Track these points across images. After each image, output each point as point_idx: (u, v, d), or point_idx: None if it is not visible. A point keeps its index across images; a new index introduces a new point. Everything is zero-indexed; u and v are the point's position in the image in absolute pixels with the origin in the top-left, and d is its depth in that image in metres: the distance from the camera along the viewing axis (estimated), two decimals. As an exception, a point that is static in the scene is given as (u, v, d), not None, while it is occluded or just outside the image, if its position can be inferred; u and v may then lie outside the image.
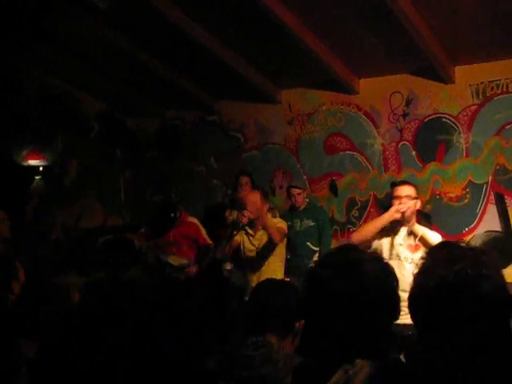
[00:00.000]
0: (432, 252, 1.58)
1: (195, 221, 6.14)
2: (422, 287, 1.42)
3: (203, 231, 6.05)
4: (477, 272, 1.37)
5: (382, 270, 1.59)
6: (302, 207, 6.01)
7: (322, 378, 1.48)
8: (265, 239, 5.05)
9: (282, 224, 5.20)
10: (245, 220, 5.01)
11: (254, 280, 4.86)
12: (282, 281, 3.80)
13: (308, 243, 5.91)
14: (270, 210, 6.03)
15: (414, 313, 1.45)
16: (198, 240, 5.99)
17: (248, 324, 2.44)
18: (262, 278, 4.33)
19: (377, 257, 1.68)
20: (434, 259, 1.47)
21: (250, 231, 5.12)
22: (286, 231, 5.21)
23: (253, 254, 5.10)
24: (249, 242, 5.15)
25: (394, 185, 5.88)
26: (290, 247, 5.63)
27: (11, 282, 1.93)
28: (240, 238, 5.18)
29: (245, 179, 6.40)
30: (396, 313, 1.59)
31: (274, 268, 5.03)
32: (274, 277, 4.58)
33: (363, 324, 1.51)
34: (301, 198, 6.06)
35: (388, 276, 1.60)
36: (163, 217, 6.00)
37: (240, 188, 6.31)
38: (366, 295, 1.51)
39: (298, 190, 6.10)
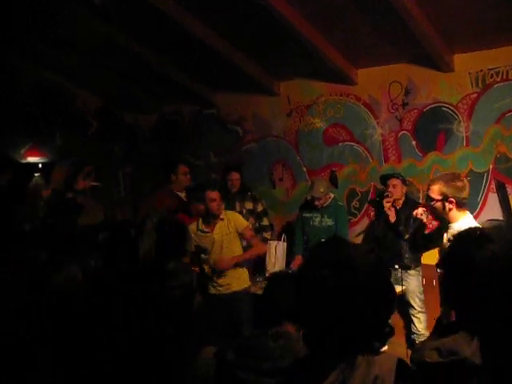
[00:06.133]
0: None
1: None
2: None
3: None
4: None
5: (375, 263, 1.57)
6: (325, 204, 5.90)
7: (321, 376, 1.46)
8: (232, 232, 5.18)
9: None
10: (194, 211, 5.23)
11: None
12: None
13: (323, 240, 5.92)
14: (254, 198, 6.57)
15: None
16: None
17: (265, 316, 2.43)
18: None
19: (370, 249, 1.63)
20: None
21: (202, 227, 5.22)
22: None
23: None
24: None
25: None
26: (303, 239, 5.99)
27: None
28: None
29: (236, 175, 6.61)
30: (393, 304, 1.57)
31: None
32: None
33: (361, 319, 1.49)
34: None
35: (381, 268, 1.58)
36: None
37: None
38: (361, 290, 1.49)
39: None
